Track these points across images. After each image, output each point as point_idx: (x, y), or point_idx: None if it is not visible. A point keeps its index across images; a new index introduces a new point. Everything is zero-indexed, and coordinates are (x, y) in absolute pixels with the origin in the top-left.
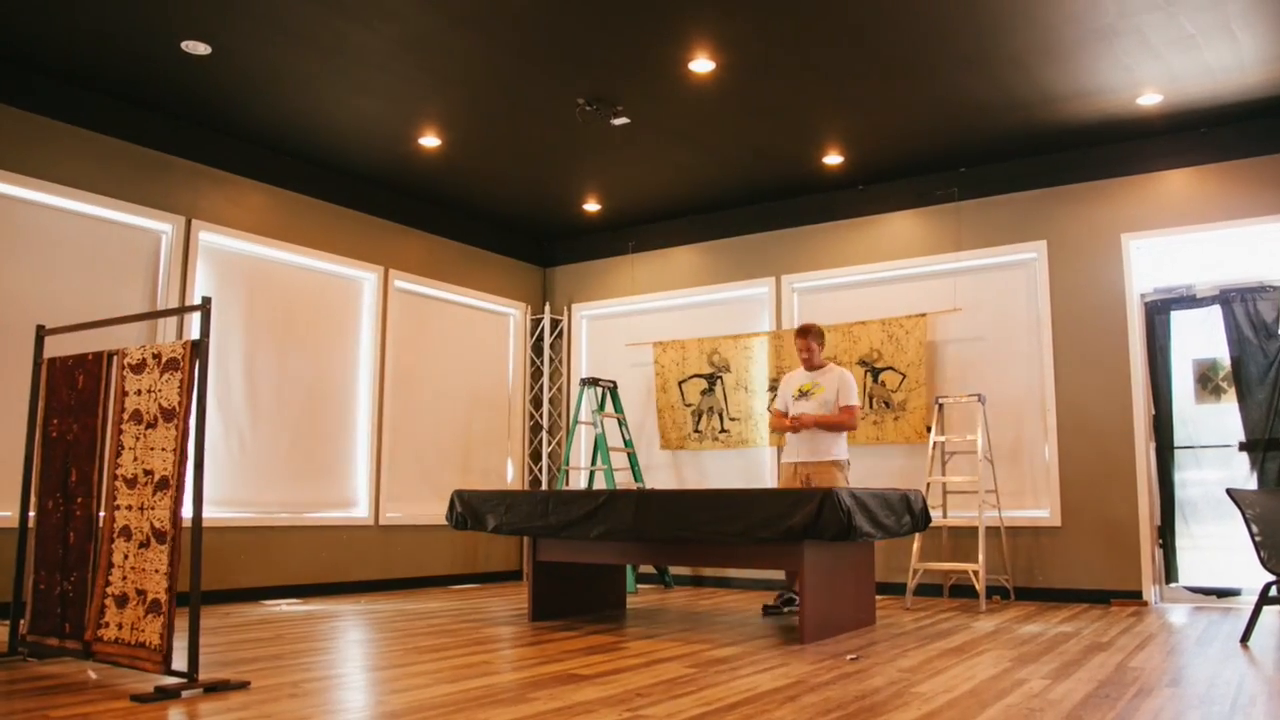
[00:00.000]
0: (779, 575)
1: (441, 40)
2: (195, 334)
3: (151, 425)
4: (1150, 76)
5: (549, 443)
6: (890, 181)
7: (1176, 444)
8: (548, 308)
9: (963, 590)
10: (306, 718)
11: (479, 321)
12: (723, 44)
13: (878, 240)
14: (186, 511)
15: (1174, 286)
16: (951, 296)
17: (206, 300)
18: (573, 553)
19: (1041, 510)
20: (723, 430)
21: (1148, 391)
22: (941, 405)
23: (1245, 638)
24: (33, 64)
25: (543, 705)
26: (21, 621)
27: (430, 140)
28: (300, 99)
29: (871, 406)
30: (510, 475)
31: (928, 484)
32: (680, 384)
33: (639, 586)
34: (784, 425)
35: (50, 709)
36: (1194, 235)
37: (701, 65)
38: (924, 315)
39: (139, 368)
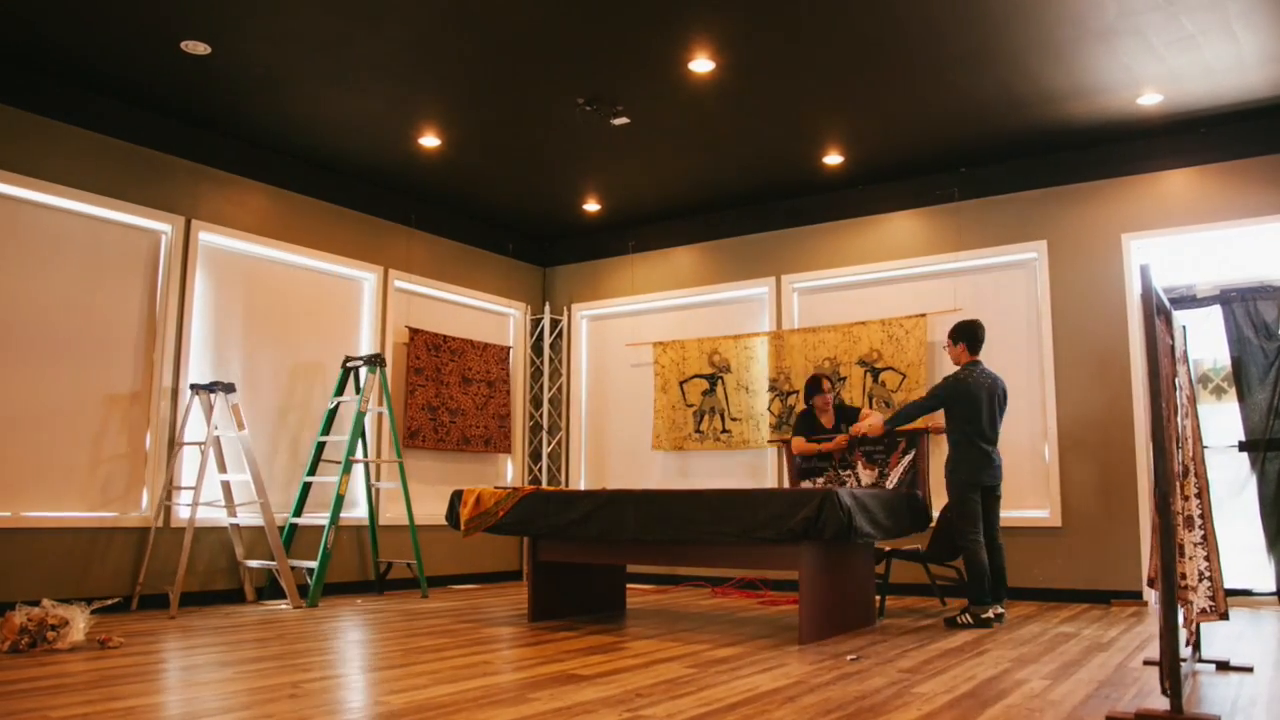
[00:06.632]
0: (778, 575)
1: (441, 40)
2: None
3: None
4: (1150, 76)
5: (549, 443)
6: (890, 181)
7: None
8: (547, 308)
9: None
10: (306, 718)
11: (479, 320)
12: (723, 44)
13: (878, 240)
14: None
15: (1174, 287)
16: (951, 296)
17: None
18: (572, 553)
19: (1041, 510)
20: (724, 431)
21: (1147, 391)
22: None
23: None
24: (33, 64)
25: (542, 705)
26: None
27: (430, 140)
28: (300, 99)
29: (872, 406)
30: (510, 475)
31: None
32: (681, 384)
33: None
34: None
35: (50, 709)
36: (1194, 235)
37: (701, 65)
38: (924, 315)
39: None
